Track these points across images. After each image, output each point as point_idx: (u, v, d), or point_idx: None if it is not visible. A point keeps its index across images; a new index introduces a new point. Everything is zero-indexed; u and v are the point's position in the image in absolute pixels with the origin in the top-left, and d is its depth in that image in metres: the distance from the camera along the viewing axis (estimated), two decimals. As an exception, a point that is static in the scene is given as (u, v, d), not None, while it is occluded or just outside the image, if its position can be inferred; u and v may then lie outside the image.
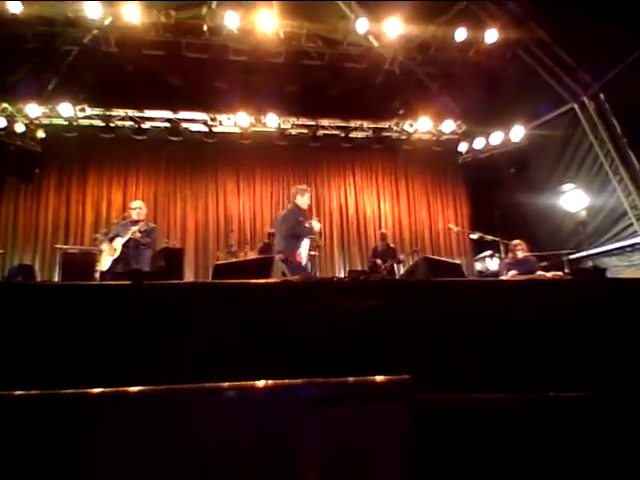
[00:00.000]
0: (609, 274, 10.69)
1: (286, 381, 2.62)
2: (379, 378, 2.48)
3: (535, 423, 2.37)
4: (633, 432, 2.42)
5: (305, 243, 6.87)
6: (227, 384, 2.53)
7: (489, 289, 3.92)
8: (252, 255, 9.17)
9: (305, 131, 11.81)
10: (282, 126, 11.47)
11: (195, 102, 11.01)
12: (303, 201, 7.04)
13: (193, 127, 11.45)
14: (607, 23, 8.89)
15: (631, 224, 10.79)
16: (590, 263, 11.04)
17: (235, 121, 11.19)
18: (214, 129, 11.44)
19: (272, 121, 11.24)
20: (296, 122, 11.61)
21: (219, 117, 11.25)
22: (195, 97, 10.93)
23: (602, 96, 10.59)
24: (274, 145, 11.80)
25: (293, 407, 2.53)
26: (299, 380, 2.59)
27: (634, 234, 10.77)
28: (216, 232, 11.79)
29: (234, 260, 7.17)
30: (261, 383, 2.53)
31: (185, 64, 10.44)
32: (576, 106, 10.93)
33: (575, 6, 9.03)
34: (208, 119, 11.24)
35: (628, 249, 10.93)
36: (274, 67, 10.61)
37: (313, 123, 11.68)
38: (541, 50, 10.63)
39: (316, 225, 6.98)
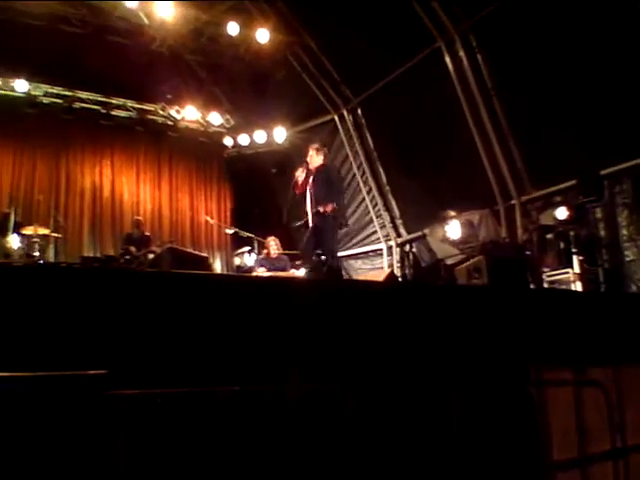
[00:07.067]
0: (355, 275, 11.58)
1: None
2: (72, 373, 2.24)
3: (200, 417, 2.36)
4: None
5: None
6: None
7: (226, 284, 3.83)
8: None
9: (59, 101, 10.88)
10: (32, 92, 10.53)
11: None
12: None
13: None
14: (371, 45, 9.59)
15: (375, 231, 11.86)
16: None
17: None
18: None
19: (21, 86, 10.30)
20: (50, 90, 10.64)
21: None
22: None
23: (359, 111, 11.43)
24: (21, 113, 10.64)
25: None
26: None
27: (377, 240, 11.86)
28: None
29: None
30: None
31: None
32: (336, 117, 11.65)
33: (345, 22, 9.56)
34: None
35: (371, 254, 12.02)
36: (31, 29, 9.47)
37: (69, 94, 10.78)
38: (309, 59, 11.10)
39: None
